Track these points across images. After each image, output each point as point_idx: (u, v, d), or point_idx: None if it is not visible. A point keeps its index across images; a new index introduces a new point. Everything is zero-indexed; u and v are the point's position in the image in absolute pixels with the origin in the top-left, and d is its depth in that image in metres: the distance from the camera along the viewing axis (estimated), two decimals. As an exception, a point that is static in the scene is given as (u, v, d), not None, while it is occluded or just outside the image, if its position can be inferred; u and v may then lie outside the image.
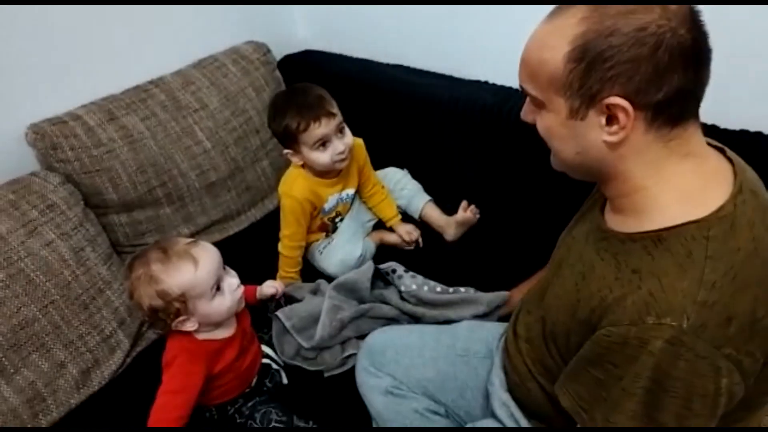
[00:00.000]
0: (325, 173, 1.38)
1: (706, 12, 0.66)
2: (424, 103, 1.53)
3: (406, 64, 1.67)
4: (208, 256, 1.02)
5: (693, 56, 0.64)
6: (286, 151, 1.35)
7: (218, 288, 1.03)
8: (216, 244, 1.50)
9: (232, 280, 1.06)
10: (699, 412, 0.64)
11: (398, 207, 1.57)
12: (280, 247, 1.41)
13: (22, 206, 1.18)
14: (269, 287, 1.25)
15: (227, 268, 1.08)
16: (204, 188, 1.52)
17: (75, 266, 1.21)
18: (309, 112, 1.26)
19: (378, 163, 1.59)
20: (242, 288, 1.09)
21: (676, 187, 0.69)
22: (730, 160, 0.72)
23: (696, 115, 0.69)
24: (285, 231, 1.40)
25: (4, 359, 1.09)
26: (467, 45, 1.56)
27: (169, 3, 1.52)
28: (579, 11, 0.65)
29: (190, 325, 1.02)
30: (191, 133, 1.48)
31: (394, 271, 1.33)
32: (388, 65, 1.68)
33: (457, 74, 1.57)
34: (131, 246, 1.42)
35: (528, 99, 0.76)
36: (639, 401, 0.65)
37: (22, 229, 1.16)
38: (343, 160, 1.33)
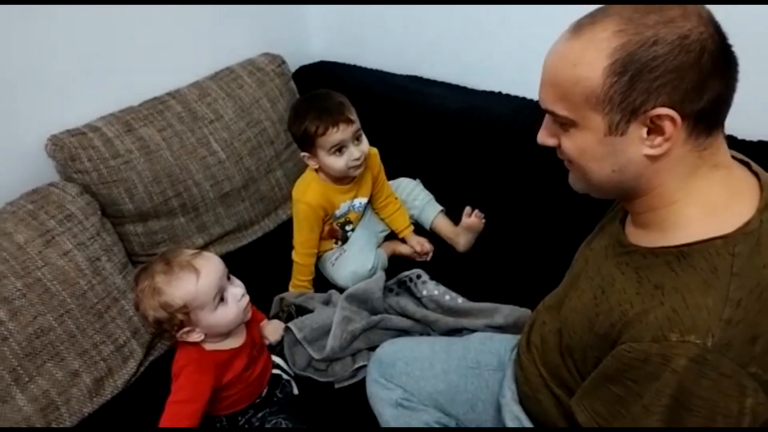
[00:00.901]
0: (339, 179, 1.39)
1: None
2: (437, 113, 1.53)
3: (420, 74, 1.67)
4: (210, 266, 1.02)
5: (729, 61, 0.64)
6: (303, 153, 1.37)
7: (222, 298, 1.03)
8: (229, 254, 1.54)
9: (236, 290, 1.06)
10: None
11: (410, 217, 1.57)
12: (294, 255, 1.42)
13: (41, 216, 1.20)
14: (267, 333, 1.25)
15: (232, 277, 1.09)
16: (218, 198, 1.53)
17: (91, 276, 1.22)
18: (328, 117, 1.28)
19: (391, 173, 1.59)
20: (247, 298, 1.08)
21: (703, 198, 0.68)
22: (755, 174, 0.71)
23: (724, 123, 0.68)
24: (298, 238, 1.41)
25: (19, 368, 1.10)
26: (481, 56, 1.56)
27: (186, 16, 1.54)
28: (611, 24, 0.64)
29: (195, 336, 1.03)
30: (206, 144, 1.50)
31: (419, 276, 1.34)
32: (402, 76, 1.69)
33: (470, 85, 1.57)
34: (146, 255, 1.43)
35: (547, 121, 0.74)
36: (660, 419, 0.64)
37: (39, 239, 1.18)
38: (358, 167, 1.34)
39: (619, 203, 0.87)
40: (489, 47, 1.52)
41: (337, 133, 1.28)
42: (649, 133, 0.65)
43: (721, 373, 0.60)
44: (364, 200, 1.47)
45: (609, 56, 0.63)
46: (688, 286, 0.64)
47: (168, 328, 1.00)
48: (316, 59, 1.87)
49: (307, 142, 1.32)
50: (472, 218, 1.46)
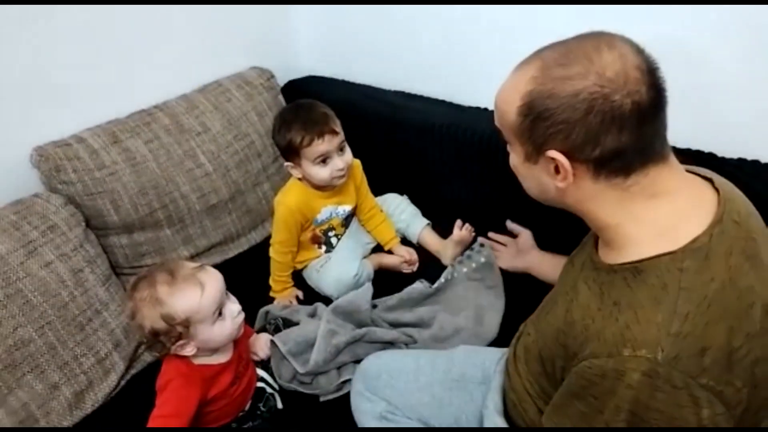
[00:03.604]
0: (321, 187, 1.40)
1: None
2: (423, 129, 1.54)
3: (407, 89, 1.69)
4: (213, 281, 1.03)
5: (630, 118, 0.66)
6: (287, 163, 1.38)
7: (220, 313, 1.03)
8: (216, 266, 1.50)
9: (233, 306, 1.06)
10: None
11: (397, 231, 1.57)
12: (272, 252, 1.45)
13: (24, 227, 1.19)
14: (257, 349, 1.24)
15: (229, 294, 1.09)
16: (205, 211, 1.52)
17: (73, 287, 1.21)
18: (313, 128, 1.29)
19: (377, 188, 1.59)
20: (243, 315, 1.08)
21: (647, 221, 0.70)
22: (717, 189, 0.72)
23: (655, 160, 0.70)
24: (276, 237, 1.44)
25: (-2, 379, 1.08)
26: (467, 72, 1.58)
27: (175, 29, 1.55)
28: (531, 69, 0.71)
29: (189, 350, 1.02)
30: (193, 156, 1.50)
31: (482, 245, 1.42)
32: (388, 91, 1.70)
33: (456, 101, 1.59)
34: (131, 268, 1.42)
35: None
36: None
37: (22, 250, 1.16)
38: (341, 176, 1.36)
39: None
40: (475, 63, 1.54)
41: (322, 145, 1.29)
42: (555, 170, 0.71)
43: (673, 386, 0.61)
44: (347, 208, 1.48)
45: (521, 98, 0.71)
46: (640, 302, 0.66)
47: (164, 341, 0.99)
48: (305, 74, 1.88)
49: (292, 152, 1.33)
50: (463, 231, 1.47)
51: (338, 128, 1.33)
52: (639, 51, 0.69)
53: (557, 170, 0.71)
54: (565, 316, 0.77)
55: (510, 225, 1.41)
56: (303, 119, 1.31)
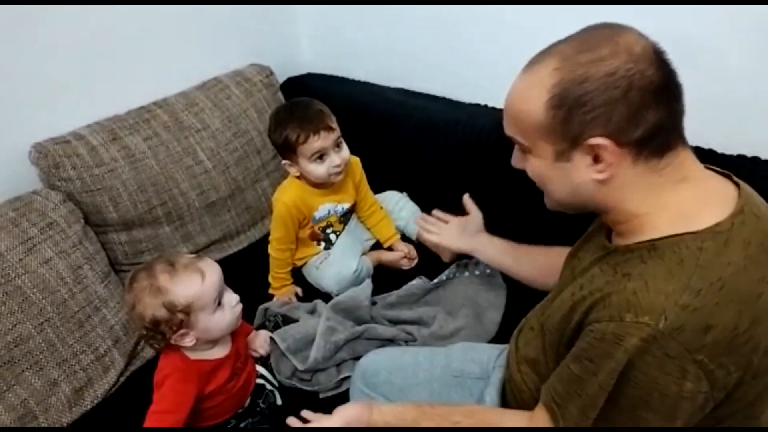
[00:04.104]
0: (319, 184, 1.40)
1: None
2: (423, 126, 1.55)
3: (408, 86, 1.69)
4: (212, 270, 1.04)
5: (663, 93, 0.67)
6: (284, 162, 1.38)
7: (219, 303, 1.04)
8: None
9: (232, 296, 1.08)
10: (656, 408, 0.65)
11: (396, 228, 1.57)
12: (270, 249, 1.45)
13: (22, 224, 1.19)
14: (256, 346, 1.24)
15: (226, 286, 1.09)
16: (204, 208, 1.52)
17: (72, 284, 1.21)
18: (309, 125, 1.29)
19: (377, 185, 1.59)
20: (241, 305, 1.09)
21: (673, 208, 0.71)
22: (737, 184, 0.74)
23: (684, 142, 0.72)
24: (274, 234, 1.44)
25: (-3, 376, 1.08)
26: (467, 69, 1.58)
27: (175, 26, 1.55)
28: (551, 62, 0.70)
29: (188, 340, 1.02)
30: (192, 153, 1.50)
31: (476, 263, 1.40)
32: (388, 88, 1.70)
33: (456, 98, 1.59)
34: (130, 264, 1.42)
35: (516, 147, 0.80)
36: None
37: (20, 247, 1.16)
38: (338, 173, 1.37)
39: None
40: (474, 60, 1.54)
41: (318, 141, 1.29)
42: (594, 159, 0.70)
43: (665, 353, 0.63)
44: (346, 205, 1.48)
45: (548, 92, 0.69)
46: (653, 273, 0.67)
47: (164, 330, 0.99)
48: (304, 71, 1.88)
49: (288, 150, 1.33)
50: None
51: (334, 125, 1.33)
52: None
53: (595, 161, 0.70)
54: (573, 298, 0.77)
55: (466, 200, 1.32)
56: (298, 117, 1.31)
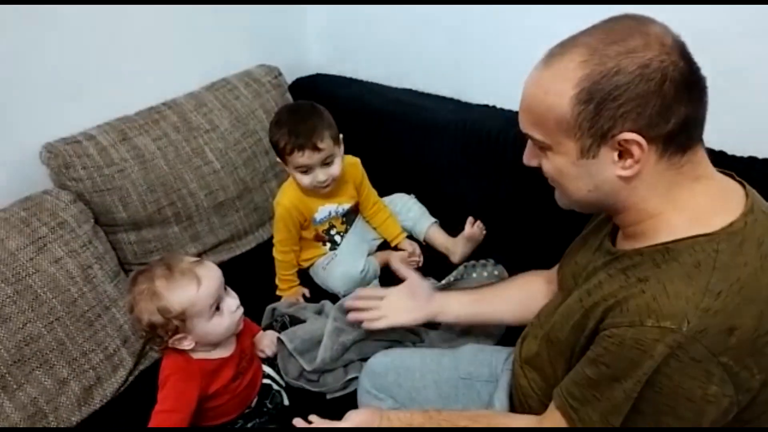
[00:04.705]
0: (310, 191, 1.40)
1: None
2: (431, 127, 1.54)
3: (415, 87, 1.69)
4: (211, 276, 1.03)
5: (694, 86, 0.66)
6: (278, 160, 1.39)
7: (217, 308, 1.04)
8: (223, 263, 1.53)
9: (231, 302, 1.07)
10: (681, 414, 0.64)
11: (404, 229, 1.57)
12: (274, 251, 1.45)
13: (33, 223, 1.20)
14: (263, 346, 1.24)
15: (228, 289, 1.09)
16: (212, 208, 1.53)
17: (82, 283, 1.22)
18: (296, 140, 1.28)
19: (385, 186, 1.59)
20: (241, 310, 1.09)
21: (688, 208, 0.70)
22: (741, 183, 0.74)
23: (701, 139, 0.71)
24: (277, 236, 1.45)
25: (7, 375, 1.09)
26: (475, 70, 1.57)
27: (184, 26, 1.56)
28: (577, 55, 0.67)
29: (186, 344, 1.02)
30: (201, 154, 1.50)
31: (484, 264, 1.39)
32: (396, 89, 1.70)
33: (464, 99, 1.58)
34: (139, 264, 1.43)
35: (529, 144, 0.77)
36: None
37: (31, 246, 1.17)
38: (324, 187, 1.36)
39: (600, 216, 0.90)
40: (483, 61, 1.54)
41: (303, 158, 1.29)
42: (620, 156, 0.68)
43: (691, 357, 0.62)
44: (347, 206, 1.48)
45: (575, 86, 0.66)
46: (670, 277, 0.66)
47: (161, 334, 1.00)
48: (313, 71, 1.88)
49: (278, 153, 1.35)
50: (474, 228, 1.46)
51: (323, 144, 1.28)
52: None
53: (621, 157, 0.68)
54: (581, 305, 0.76)
55: (404, 265, 1.22)
56: (291, 125, 1.30)
